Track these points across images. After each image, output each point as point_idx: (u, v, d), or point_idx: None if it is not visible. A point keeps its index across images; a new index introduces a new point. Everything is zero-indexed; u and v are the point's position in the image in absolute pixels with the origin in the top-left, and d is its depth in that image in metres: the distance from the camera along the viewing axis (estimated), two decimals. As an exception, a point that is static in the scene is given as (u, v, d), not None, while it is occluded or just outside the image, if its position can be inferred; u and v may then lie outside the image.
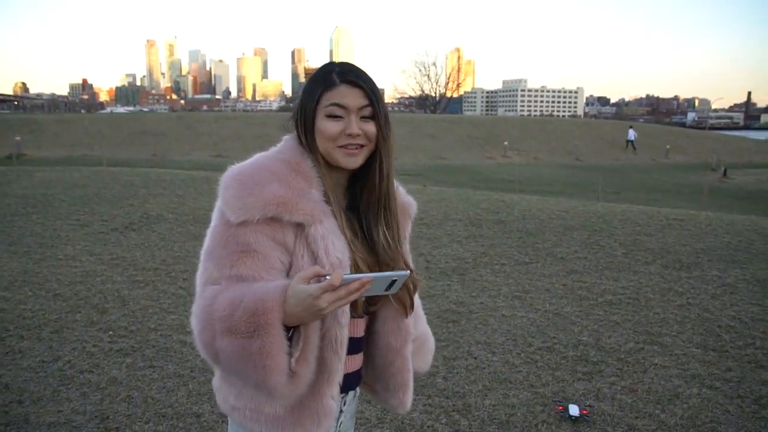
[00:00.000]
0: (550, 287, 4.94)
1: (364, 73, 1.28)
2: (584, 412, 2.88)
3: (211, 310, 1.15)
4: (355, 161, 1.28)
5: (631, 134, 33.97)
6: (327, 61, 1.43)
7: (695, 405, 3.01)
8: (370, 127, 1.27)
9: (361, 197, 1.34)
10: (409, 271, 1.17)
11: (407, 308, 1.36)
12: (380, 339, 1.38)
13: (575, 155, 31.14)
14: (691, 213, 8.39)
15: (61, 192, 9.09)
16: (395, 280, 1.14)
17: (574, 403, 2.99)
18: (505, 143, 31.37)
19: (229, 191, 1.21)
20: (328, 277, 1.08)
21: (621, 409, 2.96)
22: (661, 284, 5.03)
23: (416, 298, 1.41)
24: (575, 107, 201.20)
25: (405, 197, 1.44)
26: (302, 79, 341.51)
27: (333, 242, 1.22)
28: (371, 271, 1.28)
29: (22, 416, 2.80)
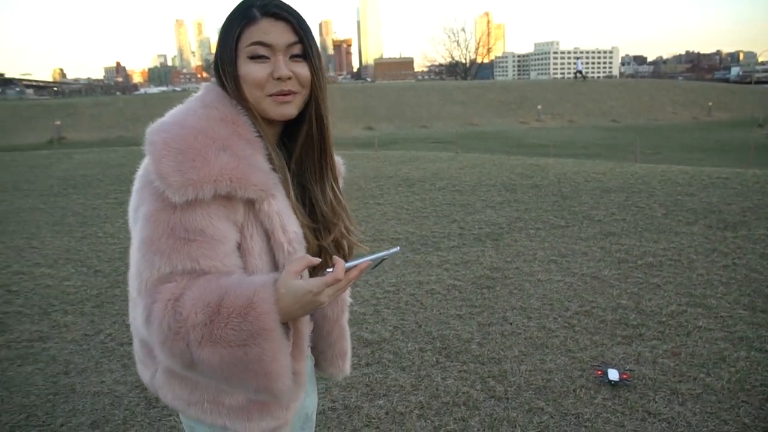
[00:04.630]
0: (587, 250, 4.82)
1: (290, 6, 1.10)
2: (624, 376, 2.80)
3: (177, 316, 0.96)
4: (288, 110, 1.09)
5: (579, 65, 44.64)
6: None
7: (743, 368, 2.90)
8: (302, 69, 1.08)
9: (297, 154, 1.18)
10: (398, 248, 1.09)
11: None
12: (317, 310, 1.25)
13: (611, 116, 30.29)
14: (736, 171, 8.05)
15: (99, 172, 9.31)
16: (385, 258, 1.05)
17: (613, 367, 2.92)
18: (539, 107, 30.69)
19: (165, 164, 0.97)
20: (329, 270, 0.98)
21: (663, 373, 2.87)
22: (704, 245, 4.85)
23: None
24: (610, 68, 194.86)
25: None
26: (330, 51, 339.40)
27: (288, 217, 1.08)
28: (316, 239, 1.17)
29: (69, 386, 2.89)
